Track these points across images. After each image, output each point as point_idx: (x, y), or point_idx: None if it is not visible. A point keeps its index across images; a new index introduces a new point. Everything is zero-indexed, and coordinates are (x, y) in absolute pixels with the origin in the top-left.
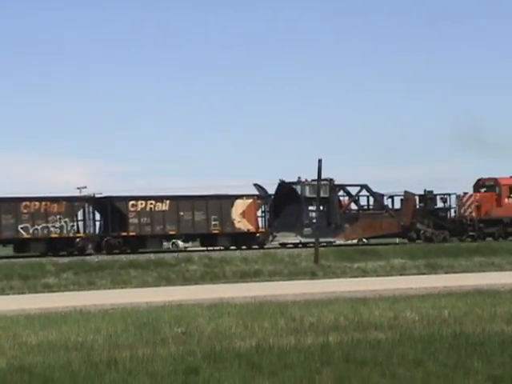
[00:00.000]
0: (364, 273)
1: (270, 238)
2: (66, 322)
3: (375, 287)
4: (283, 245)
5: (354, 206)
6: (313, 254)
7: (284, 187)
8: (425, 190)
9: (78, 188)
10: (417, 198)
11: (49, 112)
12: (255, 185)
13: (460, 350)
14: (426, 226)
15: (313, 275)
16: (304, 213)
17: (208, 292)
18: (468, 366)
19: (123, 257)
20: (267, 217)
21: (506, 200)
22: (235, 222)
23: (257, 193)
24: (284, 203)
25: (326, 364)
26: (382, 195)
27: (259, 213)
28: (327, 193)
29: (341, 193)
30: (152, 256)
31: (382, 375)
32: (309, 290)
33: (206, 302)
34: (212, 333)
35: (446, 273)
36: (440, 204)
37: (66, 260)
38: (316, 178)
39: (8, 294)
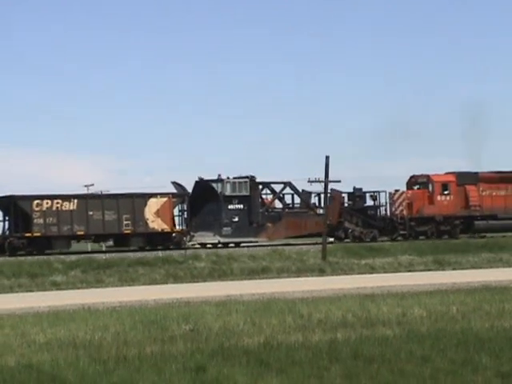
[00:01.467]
0: (372, 269)
1: (188, 238)
2: (74, 319)
3: (383, 284)
4: (202, 245)
5: (280, 205)
6: (320, 250)
7: (202, 185)
8: (354, 188)
9: (86, 186)
10: (345, 196)
11: (56, 109)
12: (173, 183)
13: (468, 346)
14: (355, 225)
15: (320, 272)
16: (223, 212)
17: (216, 289)
18: (476, 363)
19: (131, 254)
20: (185, 216)
21: (439, 197)
22: (149, 221)
23: (173, 191)
24: (202, 202)
25: (334, 361)
26: (310, 193)
27: (176, 212)
28: (248, 191)
29: (266, 191)
30: (160, 253)
31: (391, 372)
32: (316, 286)
33: (213, 299)
34: (220, 330)
35: (453, 269)
36: (370, 202)
37: (73, 258)
38: (239, 176)
39: (16, 292)
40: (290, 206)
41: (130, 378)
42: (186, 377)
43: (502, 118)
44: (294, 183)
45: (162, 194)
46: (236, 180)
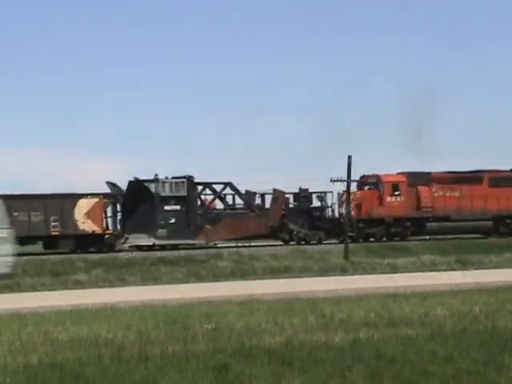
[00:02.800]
0: (394, 269)
1: (122, 240)
2: (97, 318)
3: (405, 283)
4: (138, 247)
5: (221, 206)
6: (343, 250)
7: (136, 185)
8: (300, 188)
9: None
10: (291, 196)
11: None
12: (108, 182)
13: (491, 346)
14: (300, 227)
15: (343, 271)
16: (158, 213)
17: (238, 288)
18: (500, 363)
19: (153, 253)
20: (119, 217)
21: (389, 198)
22: (78, 222)
23: (105, 191)
24: (137, 203)
25: (356, 360)
26: (254, 193)
27: (109, 213)
28: (185, 191)
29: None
30: (182, 253)
31: (413, 372)
32: (339, 286)
33: (235, 298)
34: (242, 329)
35: (476, 269)
36: (317, 203)
37: (96, 257)
38: (173, 176)
39: (39, 291)
40: (232, 207)
41: (153, 377)
42: (208, 376)
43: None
44: (234, 183)
45: (93, 195)
46: (173, 180)
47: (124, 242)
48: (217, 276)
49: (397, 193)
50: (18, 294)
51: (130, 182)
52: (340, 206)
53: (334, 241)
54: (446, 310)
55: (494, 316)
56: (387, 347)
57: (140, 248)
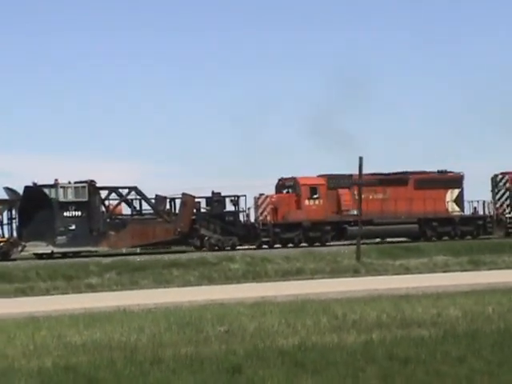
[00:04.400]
0: (406, 270)
1: (20, 248)
2: (110, 321)
3: (418, 284)
4: (37, 255)
5: (128, 212)
6: (354, 251)
7: (33, 191)
8: (212, 192)
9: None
10: (203, 200)
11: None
12: (5, 188)
13: (504, 346)
14: (213, 232)
15: (355, 273)
16: (57, 219)
17: (250, 290)
18: None
19: (165, 256)
20: (14, 224)
21: (307, 202)
22: None
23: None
24: (34, 209)
25: (369, 362)
26: (165, 198)
27: (5, 220)
28: (86, 196)
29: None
30: (194, 255)
31: (426, 372)
32: (351, 287)
33: (248, 300)
34: (255, 331)
35: (489, 269)
36: (231, 207)
37: (108, 260)
38: (76, 181)
39: (52, 295)
40: (139, 212)
41: (166, 380)
42: (221, 378)
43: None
44: (139, 187)
45: None
46: (72, 185)
47: (21, 250)
48: (229, 278)
49: (315, 196)
50: (32, 298)
51: (26, 188)
52: (256, 210)
53: (344, 242)
54: (459, 311)
55: (507, 316)
56: (400, 348)
57: (40, 256)
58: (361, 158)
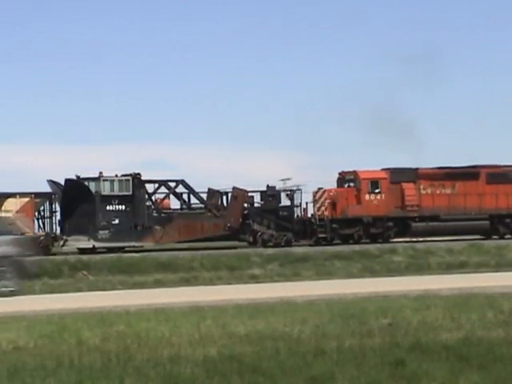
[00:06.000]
0: None
1: (61, 243)
2: (273, 312)
3: None
4: (80, 250)
5: (177, 206)
6: None
7: (74, 184)
8: (267, 186)
9: (282, 180)
10: (257, 194)
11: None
12: (49, 181)
13: None
14: (266, 227)
15: None
16: (99, 213)
17: (413, 283)
18: None
19: (328, 248)
20: (56, 218)
21: (367, 196)
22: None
23: (37, 191)
24: (76, 203)
25: None
26: (217, 192)
27: (47, 214)
28: (130, 190)
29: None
30: (357, 247)
31: None
32: None
33: (411, 293)
34: (418, 324)
35: None
36: (287, 201)
37: (270, 251)
38: (123, 174)
39: (216, 285)
40: (188, 206)
41: (330, 371)
42: (384, 370)
43: None
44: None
45: (23, 194)
46: (115, 178)
47: (63, 245)
48: (391, 271)
49: (377, 190)
50: (197, 288)
51: (67, 181)
52: (314, 204)
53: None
54: None
55: None
56: None
57: (83, 251)
58: None
